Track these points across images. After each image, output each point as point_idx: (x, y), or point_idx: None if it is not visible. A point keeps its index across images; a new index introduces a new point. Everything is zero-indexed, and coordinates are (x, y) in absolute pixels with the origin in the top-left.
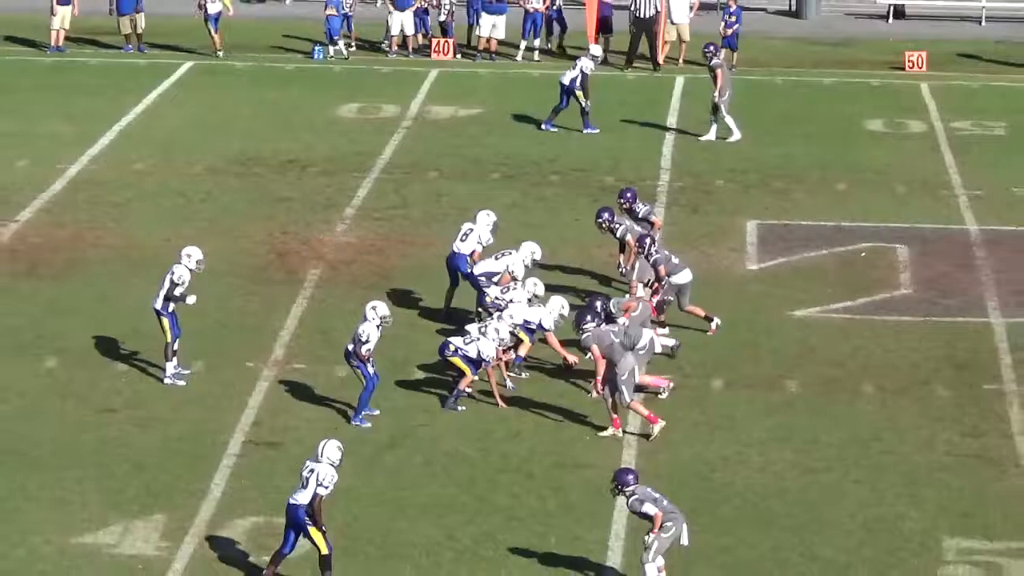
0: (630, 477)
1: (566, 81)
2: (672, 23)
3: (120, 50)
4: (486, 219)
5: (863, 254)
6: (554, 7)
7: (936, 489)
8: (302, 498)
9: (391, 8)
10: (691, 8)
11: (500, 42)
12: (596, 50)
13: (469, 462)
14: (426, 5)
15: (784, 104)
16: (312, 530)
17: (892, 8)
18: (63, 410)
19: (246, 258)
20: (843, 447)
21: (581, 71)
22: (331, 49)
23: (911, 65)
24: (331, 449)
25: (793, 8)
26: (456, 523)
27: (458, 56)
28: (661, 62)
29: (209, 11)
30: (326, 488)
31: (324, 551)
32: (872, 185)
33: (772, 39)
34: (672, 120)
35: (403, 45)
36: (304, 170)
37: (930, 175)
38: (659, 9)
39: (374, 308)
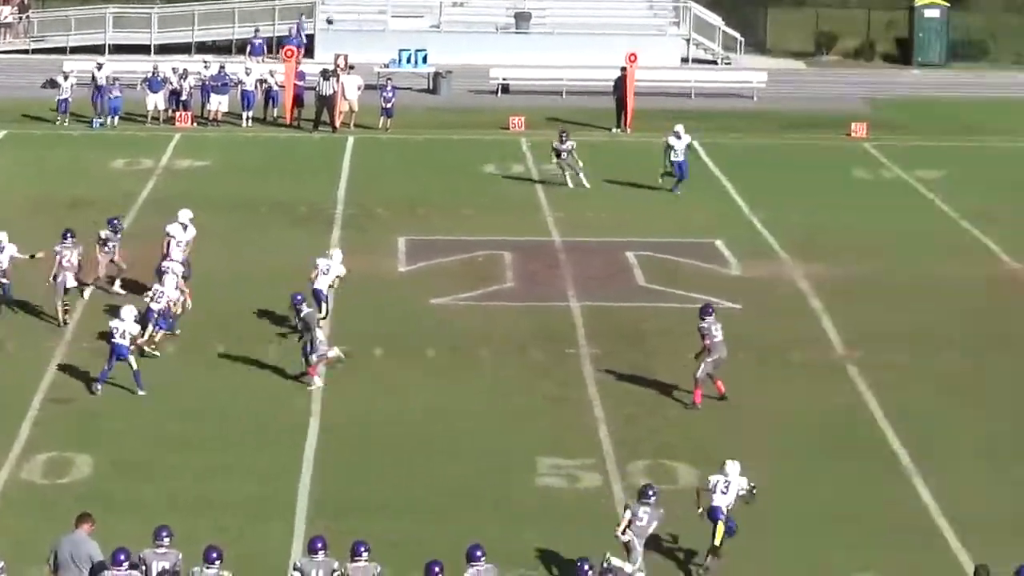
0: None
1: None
2: (346, 99)
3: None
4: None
5: (480, 259)
6: (273, 90)
7: (534, 423)
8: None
9: (147, 91)
10: (359, 88)
11: (224, 114)
12: None
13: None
14: (172, 87)
15: (423, 154)
16: None
17: (500, 86)
18: None
19: None
20: (470, 396)
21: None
22: (107, 120)
23: (514, 126)
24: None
25: (431, 88)
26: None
27: (195, 124)
28: (338, 126)
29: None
30: None
31: None
32: (488, 208)
33: (415, 109)
34: (346, 166)
35: (156, 117)
36: (92, 205)
37: (526, 202)
38: (336, 89)
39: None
